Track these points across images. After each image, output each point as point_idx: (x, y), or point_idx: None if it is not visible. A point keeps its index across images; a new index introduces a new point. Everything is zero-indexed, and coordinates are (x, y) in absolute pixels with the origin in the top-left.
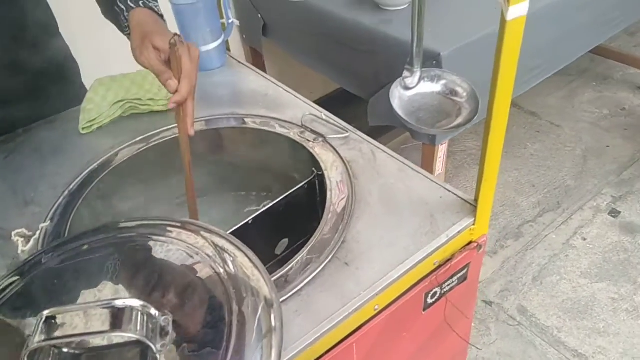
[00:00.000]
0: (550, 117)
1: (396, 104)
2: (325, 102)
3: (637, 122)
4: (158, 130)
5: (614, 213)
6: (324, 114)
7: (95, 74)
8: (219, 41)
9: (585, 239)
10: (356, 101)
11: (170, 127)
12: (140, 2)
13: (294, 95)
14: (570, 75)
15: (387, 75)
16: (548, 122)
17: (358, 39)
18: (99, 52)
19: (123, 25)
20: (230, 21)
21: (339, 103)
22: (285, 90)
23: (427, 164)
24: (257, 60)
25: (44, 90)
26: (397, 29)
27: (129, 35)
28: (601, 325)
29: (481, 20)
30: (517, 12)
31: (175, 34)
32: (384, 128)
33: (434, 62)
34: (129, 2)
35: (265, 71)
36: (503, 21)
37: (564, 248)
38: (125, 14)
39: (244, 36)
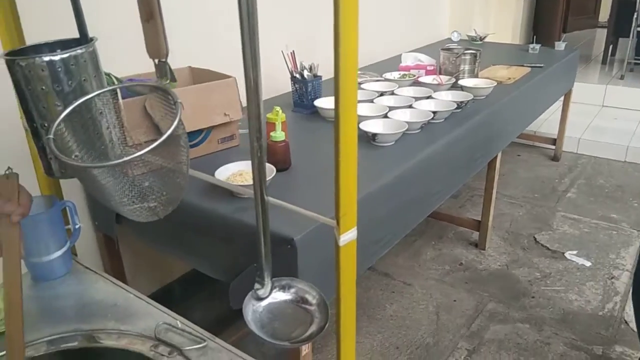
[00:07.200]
0: (402, 276)
1: (250, 317)
2: (184, 281)
3: (474, 275)
4: None
5: None
6: (180, 321)
7: None
8: (64, 249)
9: None
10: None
11: None
12: None
13: (146, 302)
14: (412, 236)
15: (246, 259)
16: (400, 281)
17: (214, 226)
18: None
19: None
20: (77, 226)
21: (199, 280)
22: (137, 297)
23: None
24: (109, 244)
25: None
26: (251, 217)
27: None
28: None
29: (328, 205)
30: (348, 238)
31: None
32: None
33: (289, 245)
34: None
35: (119, 254)
36: (337, 246)
37: None
38: None
39: (96, 223)
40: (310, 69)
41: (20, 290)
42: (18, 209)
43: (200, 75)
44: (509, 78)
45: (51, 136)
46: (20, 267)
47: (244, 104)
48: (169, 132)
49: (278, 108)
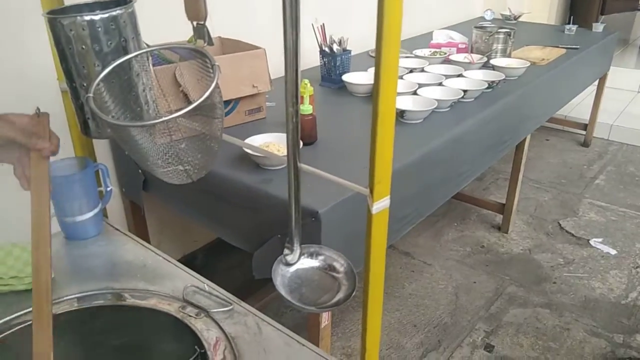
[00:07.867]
0: (422, 256)
1: (279, 281)
2: (208, 250)
3: (495, 258)
4: (21, 313)
5: (489, 348)
6: (207, 284)
7: None
8: (96, 210)
9: None
10: (239, 248)
11: None
12: None
13: (174, 265)
14: (435, 216)
15: (270, 229)
16: (421, 261)
17: (240, 196)
18: None
19: None
20: (108, 189)
21: (223, 250)
22: (165, 259)
23: (313, 318)
24: (135, 211)
25: None
26: (277, 188)
27: None
28: None
29: (354, 179)
30: (381, 206)
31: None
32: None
33: (313, 218)
34: None
35: (145, 221)
36: (369, 214)
37: None
38: None
39: (124, 190)
40: (340, 43)
41: (49, 228)
42: (50, 146)
43: (229, 46)
44: (543, 59)
45: (91, 94)
46: (50, 205)
47: (272, 76)
48: (208, 91)
49: (306, 81)
